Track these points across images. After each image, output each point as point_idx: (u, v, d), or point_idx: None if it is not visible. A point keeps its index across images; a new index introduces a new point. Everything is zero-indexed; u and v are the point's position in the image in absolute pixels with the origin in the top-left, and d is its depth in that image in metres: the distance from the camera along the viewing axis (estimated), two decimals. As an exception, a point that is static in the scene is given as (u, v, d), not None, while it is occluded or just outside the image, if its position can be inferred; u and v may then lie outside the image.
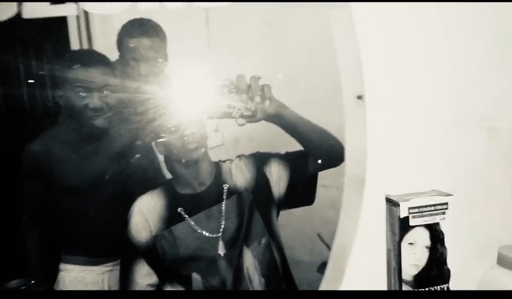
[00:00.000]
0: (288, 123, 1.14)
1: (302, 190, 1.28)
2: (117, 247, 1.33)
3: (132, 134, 1.36)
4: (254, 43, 1.29)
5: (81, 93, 1.26)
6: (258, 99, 1.06)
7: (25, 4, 0.84)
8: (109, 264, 1.35)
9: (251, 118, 1.08)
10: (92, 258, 1.34)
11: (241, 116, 1.07)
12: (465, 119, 0.84)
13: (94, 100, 1.27)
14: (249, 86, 1.07)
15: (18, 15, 0.85)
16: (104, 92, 1.28)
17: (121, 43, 1.37)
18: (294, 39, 1.20)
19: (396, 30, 0.80)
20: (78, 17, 1.34)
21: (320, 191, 1.22)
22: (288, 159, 1.29)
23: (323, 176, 1.23)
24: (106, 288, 1.33)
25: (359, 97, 0.82)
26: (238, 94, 1.07)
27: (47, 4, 0.85)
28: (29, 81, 1.40)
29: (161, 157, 1.32)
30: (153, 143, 1.31)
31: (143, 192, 1.29)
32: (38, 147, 1.31)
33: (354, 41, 0.78)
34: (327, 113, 1.02)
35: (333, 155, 1.17)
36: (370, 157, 0.83)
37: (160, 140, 1.24)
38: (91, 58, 1.32)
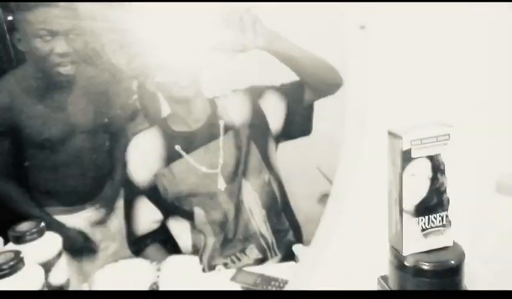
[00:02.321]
0: (281, 52, 1.11)
1: (299, 121, 1.27)
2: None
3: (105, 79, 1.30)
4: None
5: (45, 37, 1.14)
6: (249, 34, 1.03)
7: None
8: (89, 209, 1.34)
9: (242, 51, 1.06)
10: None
11: (233, 49, 1.05)
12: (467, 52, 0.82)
13: (61, 44, 1.16)
14: (240, 19, 1.03)
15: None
16: (71, 36, 1.17)
17: None
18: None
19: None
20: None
21: (318, 124, 1.22)
22: (284, 90, 1.27)
23: (320, 107, 1.22)
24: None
25: (362, 27, 0.79)
26: (230, 28, 1.04)
27: None
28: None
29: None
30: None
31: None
32: (1, 100, 1.20)
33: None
34: (329, 44, 0.99)
35: (329, 82, 1.15)
36: (372, 90, 0.82)
37: (155, 79, 1.21)
38: None
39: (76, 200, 1.32)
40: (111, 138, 1.34)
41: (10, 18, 1.26)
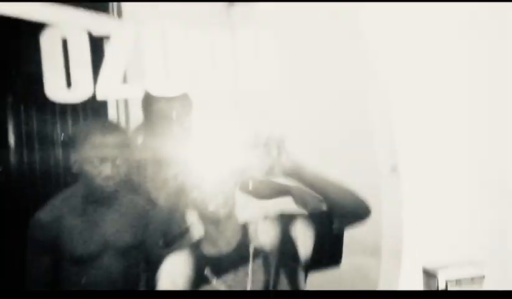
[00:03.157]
0: (307, 181, 1.17)
1: (328, 251, 1.28)
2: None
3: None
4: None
5: (95, 162, 1.27)
6: (274, 154, 1.10)
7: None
8: None
9: (269, 175, 1.12)
10: None
11: (260, 173, 1.11)
12: (498, 191, 0.85)
13: (107, 169, 1.28)
14: (266, 142, 1.11)
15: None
16: (117, 161, 1.30)
17: (146, 106, 1.44)
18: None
19: (429, 102, 0.83)
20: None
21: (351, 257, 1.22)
22: (313, 218, 1.30)
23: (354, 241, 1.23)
24: None
25: (393, 169, 0.84)
26: (257, 151, 1.11)
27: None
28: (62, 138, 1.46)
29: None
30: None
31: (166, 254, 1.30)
32: (47, 217, 1.28)
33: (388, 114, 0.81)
34: (362, 186, 1.05)
35: (356, 211, 1.18)
36: (407, 229, 0.84)
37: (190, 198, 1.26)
38: (108, 128, 1.36)
39: None
40: (144, 260, 1.37)
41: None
